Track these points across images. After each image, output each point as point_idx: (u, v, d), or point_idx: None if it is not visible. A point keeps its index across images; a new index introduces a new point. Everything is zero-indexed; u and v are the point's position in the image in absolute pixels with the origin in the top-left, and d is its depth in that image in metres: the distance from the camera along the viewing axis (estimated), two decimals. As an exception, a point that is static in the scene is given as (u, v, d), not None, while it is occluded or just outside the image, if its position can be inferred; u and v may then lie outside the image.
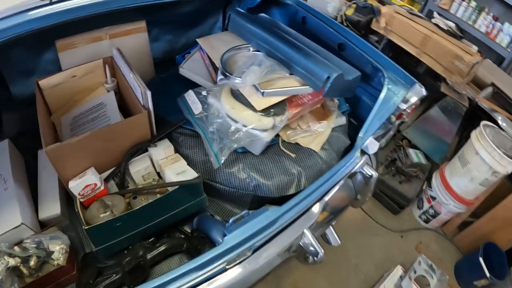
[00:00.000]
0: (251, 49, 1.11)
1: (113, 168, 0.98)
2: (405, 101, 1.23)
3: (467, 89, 1.84)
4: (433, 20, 1.89)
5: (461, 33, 1.88)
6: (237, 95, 0.95)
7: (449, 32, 1.82)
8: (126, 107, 1.15)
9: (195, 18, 1.41)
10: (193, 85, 1.09)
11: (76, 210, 0.86)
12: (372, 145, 1.22)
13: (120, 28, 1.28)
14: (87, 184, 0.88)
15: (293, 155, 1.05)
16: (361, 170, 1.21)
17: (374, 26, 1.96)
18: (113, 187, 0.99)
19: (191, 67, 1.11)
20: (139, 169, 0.97)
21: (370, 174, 1.22)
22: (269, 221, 0.87)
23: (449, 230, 1.88)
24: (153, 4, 1.11)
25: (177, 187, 0.86)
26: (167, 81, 1.17)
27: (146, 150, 1.00)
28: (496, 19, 2.55)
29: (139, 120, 0.95)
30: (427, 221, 1.87)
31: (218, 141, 0.89)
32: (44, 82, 1.08)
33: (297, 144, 1.09)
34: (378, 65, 1.25)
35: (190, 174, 0.90)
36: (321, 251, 1.02)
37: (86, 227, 0.79)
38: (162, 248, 0.89)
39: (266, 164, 1.00)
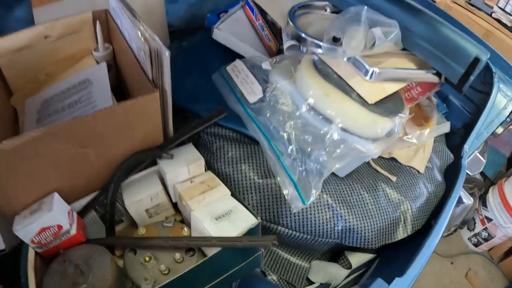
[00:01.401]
0: (328, 9, 0.61)
1: (95, 193, 0.48)
2: (517, 108, 0.79)
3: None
4: (493, 15, 1.44)
5: (523, 30, 1.44)
6: (327, 75, 0.45)
7: None
8: (126, 90, 0.65)
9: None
10: (232, 59, 0.59)
11: (23, 279, 0.38)
12: (477, 163, 0.77)
13: (123, -23, 0.76)
14: (44, 226, 0.40)
15: (393, 179, 0.57)
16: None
17: (423, 17, 1.49)
18: (96, 222, 0.50)
19: (232, 29, 0.60)
20: (141, 198, 0.47)
21: (461, 200, 0.77)
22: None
23: (497, 254, 1.45)
24: None
25: (220, 249, 0.37)
26: (192, 51, 0.66)
27: (155, 164, 0.50)
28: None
29: (143, 108, 0.45)
30: (477, 244, 1.44)
31: (300, 158, 0.39)
32: (-1, 44, 0.57)
33: (392, 159, 0.61)
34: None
35: (242, 220, 0.40)
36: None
37: None
38: None
39: (359, 193, 0.52)
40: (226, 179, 0.49)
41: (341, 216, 0.49)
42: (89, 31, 0.65)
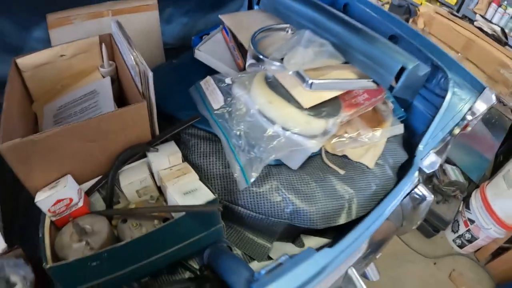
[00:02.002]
0: (289, 30, 0.76)
1: (98, 177, 0.63)
2: (473, 109, 0.90)
3: (512, 101, 1.48)
4: (475, 23, 1.54)
5: (506, 39, 1.53)
6: (274, 86, 0.60)
7: (493, 37, 1.47)
8: (125, 99, 0.81)
9: (216, -1, 1.06)
10: (212, 74, 0.74)
11: (41, 234, 0.53)
12: (432, 162, 0.87)
13: (126, 3, 0.94)
14: (60, 198, 0.55)
15: (341, 172, 0.70)
16: (414, 192, 0.86)
17: (409, 28, 1.61)
18: (99, 202, 0.65)
19: (210, 50, 0.76)
20: (132, 181, 0.62)
21: (424, 196, 0.87)
22: (318, 269, 0.53)
23: (483, 256, 1.51)
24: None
25: (183, 213, 0.52)
26: (179, 68, 0.83)
27: (145, 156, 0.65)
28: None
29: (135, 113, 0.60)
30: (461, 246, 1.51)
31: (247, 150, 0.53)
32: (23, 61, 0.74)
33: (344, 156, 0.74)
34: (440, 64, 0.91)
35: (203, 195, 0.55)
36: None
37: (48, 266, 0.47)
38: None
39: (308, 183, 0.65)
40: (198, 169, 0.64)
41: (290, 200, 0.62)
42: (96, 51, 0.83)
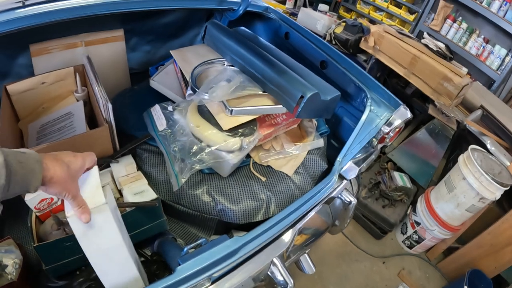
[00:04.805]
0: (226, 63, 1.05)
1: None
2: (389, 124, 1.18)
3: (456, 112, 1.79)
4: (422, 41, 1.85)
5: (450, 54, 1.84)
6: (204, 113, 0.89)
7: (438, 53, 1.78)
8: (94, 118, 1.08)
9: (175, 29, 1.36)
10: (166, 100, 1.03)
11: (29, 224, 0.80)
12: (351, 170, 1.15)
13: (96, 35, 1.23)
14: (43, 198, 0.81)
15: (263, 179, 0.98)
16: (340, 195, 1.14)
17: (362, 45, 1.91)
18: (71, 203, 0.92)
19: (162, 80, 1.05)
20: (98, 186, 0.90)
21: (349, 201, 1.15)
22: (228, 251, 0.79)
23: (434, 256, 1.80)
24: (131, 12, 1.06)
25: (133, 208, 0.79)
26: (139, 93, 1.11)
27: (108, 166, 0.93)
28: (487, 41, 2.53)
29: (100, 134, 0.88)
30: (410, 246, 1.79)
31: (180, 161, 0.81)
32: (12, 88, 1.03)
33: (269, 167, 1.02)
34: (361, 85, 1.20)
35: (148, 195, 0.83)
36: (290, 282, 0.94)
37: (35, 245, 0.74)
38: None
39: (233, 187, 0.93)
40: (149, 176, 0.91)
41: (218, 201, 0.90)
42: (71, 78, 1.11)
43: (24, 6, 0.94)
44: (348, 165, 1.14)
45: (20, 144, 1.02)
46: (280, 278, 0.95)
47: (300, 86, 0.92)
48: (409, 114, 1.20)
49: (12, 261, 0.78)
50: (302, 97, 0.90)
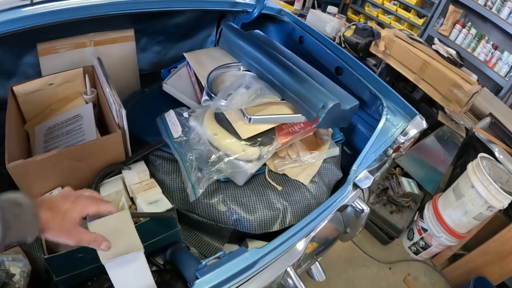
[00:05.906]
0: (241, 68, 1.02)
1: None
2: (404, 133, 1.16)
3: (465, 119, 1.77)
4: (433, 46, 1.83)
5: (461, 61, 1.82)
6: (221, 120, 0.86)
7: (449, 60, 1.76)
8: (104, 121, 1.05)
9: (186, 30, 1.32)
10: (178, 104, 1.00)
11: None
12: (365, 179, 1.13)
13: (106, 35, 1.19)
14: None
15: (279, 188, 0.96)
16: (352, 203, 1.12)
17: (372, 49, 1.89)
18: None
19: (175, 84, 1.02)
20: (110, 193, 0.87)
21: (361, 209, 1.13)
22: (247, 264, 0.77)
23: (439, 262, 1.80)
24: (142, 13, 1.03)
25: (147, 219, 0.77)
26: (151, 96, 1.08)
27: (120, 173, 0.90)
28: (495, 47, 2.52)
29: (112, 140, 0.85)
30: (416, 252, 1.79)
31: (197, 171, 0.79)
32: (18, 88, 0.99)
33: (284, 175, 1.00)
34: (377, 93, 1.18)
35: (163, 205, 0.80)
36: (303, 291, 0.92)
37: (46, 257, 0.71)
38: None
39: (249, 196, 0.90)
40: (163, 184, 0.88)
41: (234, 210, 0.88)
42: (80, 80, 1.08)
43: (32, 4, 0.91)
44: (362, 174, 1.12)
45: (27, 147, 0.99)
46: (293, 287, 0.94)
47: (321, 95, 0.90)
48: (425, 124, 1.18)
49: (19, 270, 0.75)
50: (323, 106, 0.88)
